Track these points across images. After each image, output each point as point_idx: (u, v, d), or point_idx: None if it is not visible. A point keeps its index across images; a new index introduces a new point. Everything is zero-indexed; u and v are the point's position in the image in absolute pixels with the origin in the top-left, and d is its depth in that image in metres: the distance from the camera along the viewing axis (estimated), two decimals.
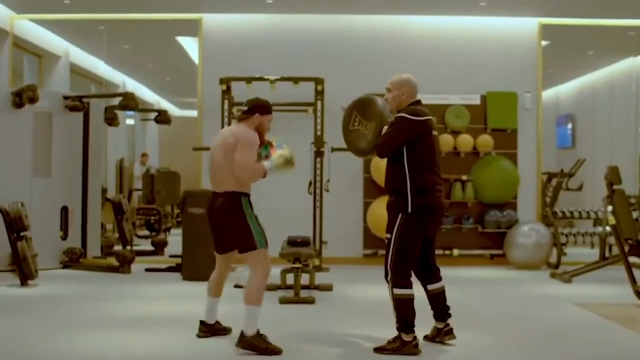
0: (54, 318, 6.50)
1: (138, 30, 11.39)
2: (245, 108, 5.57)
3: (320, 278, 8.33)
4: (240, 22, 10.56)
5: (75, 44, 11.86)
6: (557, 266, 9.81)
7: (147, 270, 9.39)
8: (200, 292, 7.97)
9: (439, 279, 5.53)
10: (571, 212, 10.80)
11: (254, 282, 5.40)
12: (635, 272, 7.60)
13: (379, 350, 5.26)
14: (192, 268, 8.76)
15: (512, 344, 5.44)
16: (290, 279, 7.56)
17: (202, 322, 5.82)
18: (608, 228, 8.63)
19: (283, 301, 7.18)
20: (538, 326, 6.03)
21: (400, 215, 5.23)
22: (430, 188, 5.25)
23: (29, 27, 10.90)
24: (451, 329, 5.53)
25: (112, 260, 9.57)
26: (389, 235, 5.29)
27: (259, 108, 5.56)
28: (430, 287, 5.50)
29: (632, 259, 7.80)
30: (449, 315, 5.55)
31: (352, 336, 5.63)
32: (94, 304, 7.20)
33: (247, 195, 5.45)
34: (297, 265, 7.54)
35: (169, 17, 10.57)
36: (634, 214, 8.94)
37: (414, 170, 5.23)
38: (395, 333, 5.26)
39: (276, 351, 5.26)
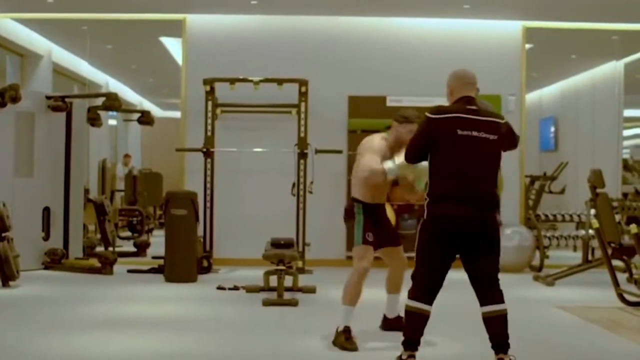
0: (35, 319, 6.44)
1: (121, 31, 11.33)
2: None
3: (303, 280, 8.30)
4: (224, 23, 10.52)
5: (58, 43, 11.78)
6: (540, 269, 9.83)
7: (129, 271, 9.33)
8: (183, 294, 7.96)
9: (491, 301, 4.85)
10: (554, 215, 10.80)
11: (347, 281, 5.66)
12: (618, 275, 7.63)
13: None
14: (174, 269, 8.72)
15: None
16: (273, 280, 7.53)
17: (384, 315, 6.02)
18: (591, 231, 8.66)
19: (266, 303, 7.15)
20: (520, 329, 6.00)
21: (419, 220, 4.85)
22: (445, 195, 4.66)
23: (11, 26, 10.81)
24: None
25: (94, 262, 9.50)
26: None
27: (397, 117, 5.58)
28: (481, 309, 4.88)
29: (615, 262, 7.82)
30: (502, 348, 4.83)
31: None
32: (76, 306, 7.14)
33: (362, 202, 5.70)
34: (281, 267, 7.52)
35: (152, 18, 10.50)
36: (617, 217, 8.97)
37: (433, 175, 4.73)
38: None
39: (349, 348, 5.34)
